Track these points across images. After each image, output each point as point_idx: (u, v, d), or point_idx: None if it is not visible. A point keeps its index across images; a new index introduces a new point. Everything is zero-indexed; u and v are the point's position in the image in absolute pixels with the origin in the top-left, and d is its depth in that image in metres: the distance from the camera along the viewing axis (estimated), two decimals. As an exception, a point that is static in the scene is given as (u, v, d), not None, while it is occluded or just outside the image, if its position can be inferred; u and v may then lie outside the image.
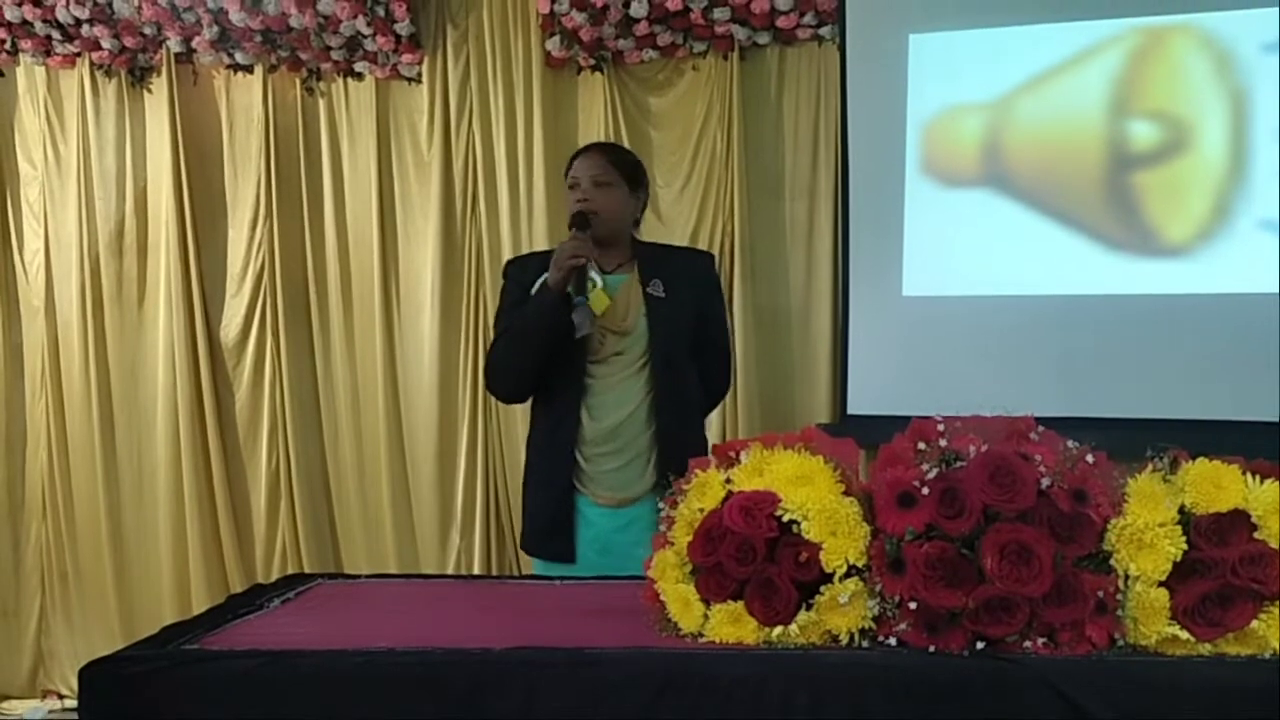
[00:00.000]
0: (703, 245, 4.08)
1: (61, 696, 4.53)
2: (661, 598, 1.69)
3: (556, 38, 4.08)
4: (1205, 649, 1.53)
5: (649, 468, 2.65)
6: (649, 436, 2.66)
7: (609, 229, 2.68)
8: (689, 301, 2.71)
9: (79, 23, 4.25)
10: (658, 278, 2.69)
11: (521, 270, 2.74)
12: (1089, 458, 1.57)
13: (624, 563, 2.51)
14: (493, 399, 3.63)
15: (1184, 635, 1.53)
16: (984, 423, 1.64)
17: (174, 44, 4.30)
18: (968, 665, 1.50)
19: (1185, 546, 1.53)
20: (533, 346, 2.64)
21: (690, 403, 2.76)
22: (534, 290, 2.66)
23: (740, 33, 4.01)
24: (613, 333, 2.65)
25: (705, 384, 2.82)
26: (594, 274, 2.59)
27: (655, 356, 2.66)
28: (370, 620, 1.87)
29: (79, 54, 4.39)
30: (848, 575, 1.55)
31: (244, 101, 4.42)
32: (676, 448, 2.58)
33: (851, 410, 3.92)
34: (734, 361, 4.01)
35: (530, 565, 2.82)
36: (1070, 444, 1.60)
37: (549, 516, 2.69)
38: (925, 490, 1.54)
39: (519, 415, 3.76)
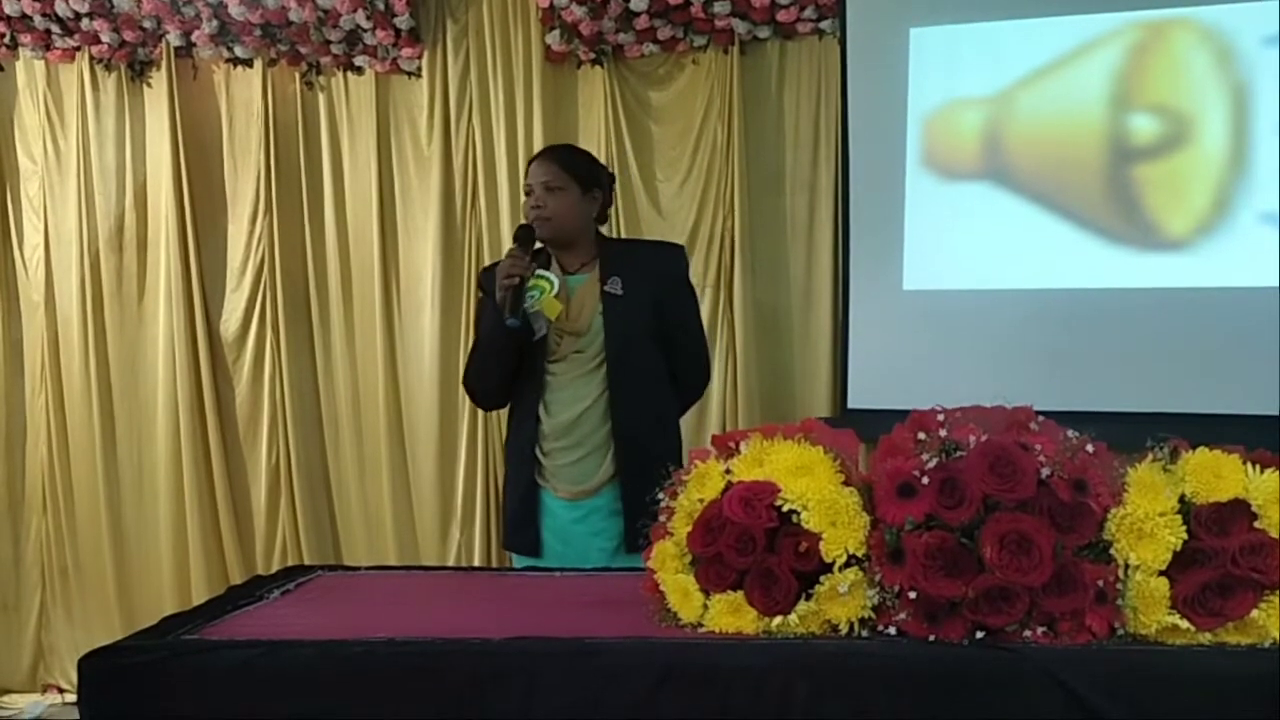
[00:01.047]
0: (703, 240, 4.08)
1: (62, 690, 4.52)
2: (661, 588, 1.69)
3: (556, 32, 4.08)
4: (1205, 638, 1.54)
5: (606, 462, 2.68)
6: (605, 432, 2.68)
7: (564, 233, 2.71)
8: (647, 297, 2.70)
9: (78, 17, 4.24)
10: (617, 275, 2.70)
11: (490, 278, 2.74)
12: (1089, 447, 1.57)
13: (583, 553, 2.63)
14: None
15: (1184, 624, 1.53)
16: (984, 413, 1.64)
17: (173, 38, 4.29)
18: (967, 655, 1.50)
19: (1185, 536, 1.54)
20: (490, 359, 2.73)
21: (654, 397, 2.75)
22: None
23: (740, 26, 4.00)
24: (568, 333, 2.68)
25: (678, 379, 2.81)
26: (552, 277, 2.65)
27: (609, 353, 2.67)
28: (370, 611, 1.88)
29: (78, 48, 4.38)
30: (847, 565, 1.56)
31: (244, 96, 4.41)
32: (635, 442, 2.64)
33: (852, 404, 3.91)
34: (734, 356, 4.05)
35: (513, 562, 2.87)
36: (1070, 434, 1.60)
37: (518, 511, 2.76)
38: (925, 480, 1.54)
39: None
